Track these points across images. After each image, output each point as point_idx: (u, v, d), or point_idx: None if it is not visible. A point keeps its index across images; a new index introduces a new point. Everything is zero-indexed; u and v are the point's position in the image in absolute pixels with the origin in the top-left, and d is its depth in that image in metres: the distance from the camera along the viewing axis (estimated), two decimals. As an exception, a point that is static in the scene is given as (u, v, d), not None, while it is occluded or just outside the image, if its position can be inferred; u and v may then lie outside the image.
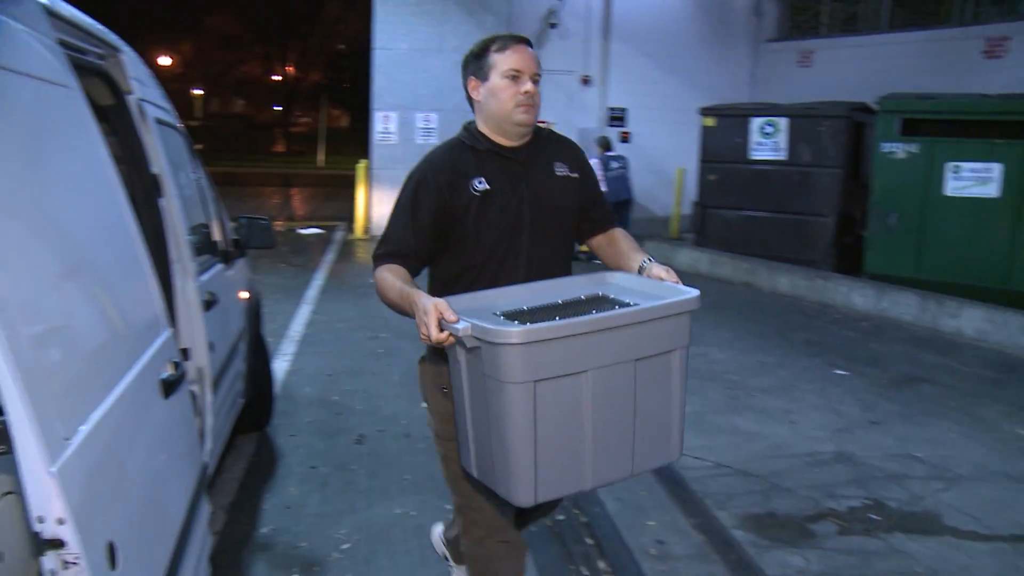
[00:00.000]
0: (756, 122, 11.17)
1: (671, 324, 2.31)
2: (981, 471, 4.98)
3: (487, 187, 2.58)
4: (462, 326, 2.10)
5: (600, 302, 2.41)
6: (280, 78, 44.50)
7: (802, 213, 10.86)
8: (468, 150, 2.65)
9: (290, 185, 26.05)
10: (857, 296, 9.34)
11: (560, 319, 2.16)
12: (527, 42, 2.63)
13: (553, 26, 14.94)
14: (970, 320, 8.32)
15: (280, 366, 6.44)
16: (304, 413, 5.55)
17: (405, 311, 2.33)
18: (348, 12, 36.23)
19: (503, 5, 14.14)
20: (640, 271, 2.61)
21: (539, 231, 2.65)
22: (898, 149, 9.43)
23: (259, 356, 5.11)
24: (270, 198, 21.92)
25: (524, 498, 2.19)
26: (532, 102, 2.57)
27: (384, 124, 13.99)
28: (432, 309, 2.14)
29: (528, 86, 2.56)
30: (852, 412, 5.96)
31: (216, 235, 4.28)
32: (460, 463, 2.46)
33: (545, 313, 2.29)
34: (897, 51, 13.69)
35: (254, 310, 5.11)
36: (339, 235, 14.15)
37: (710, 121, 11.68)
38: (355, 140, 30.95)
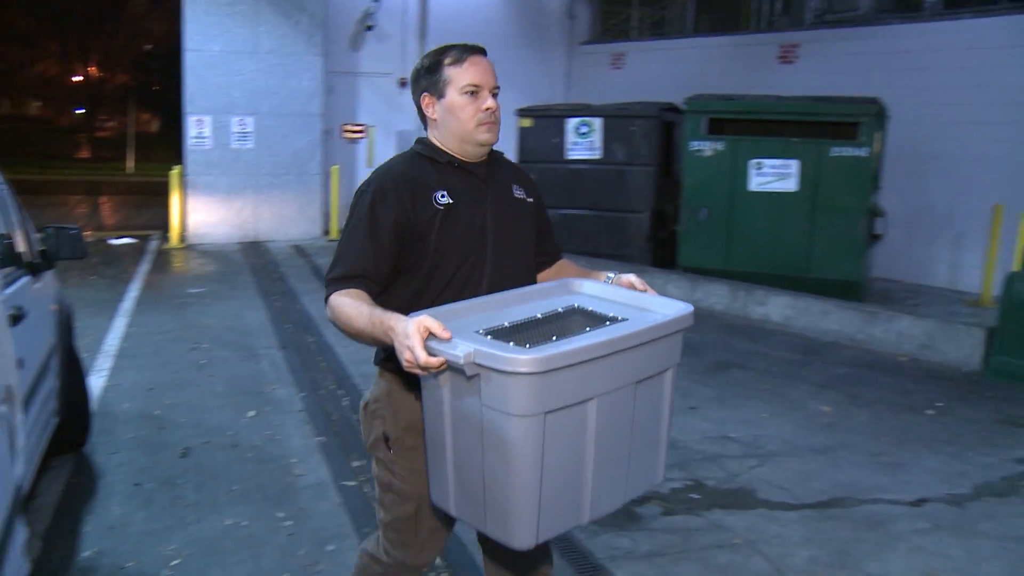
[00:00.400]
0: (571, 122, 11.46)
1: (670, 342, 2.19)
2: (789, 447, 5.34)
3: (450, 201, 2.38)
4: (463, 351, 1.85)
5: (584, 316, 2.25)
6: (82, 79, 42.10)
7: (618, 210, 11.22)
8: (427, 161, 2.45)
9: (98, 193, 24.68)
10: (673, 288, 9.74)
11: (560, 339, 1.99)
12: (482, 51, 2.45)
13: (369, 28, 14.85)
14: (776, 307, 8.87)
15: (97, 382, 6.13)
16: (125, 429, 5.31)
17: (377, 339, 2.10)
18: (154, 10, 34.70)
19: (318, 6, 13.93)
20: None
21: (502, 254, 2.45)
22: (705, 147, 9.91)
23: (73, 372, 4.86)
24: (77, 207, 20.74)
25: (524, 540, 2.00)
26: (494, 119, 2.41)
27: (198, 128, 13.50)
28: (415, 331, 1.92)
29: (490, 102, 2.39)
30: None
31: (20, 246, 4.06)
32: (431, 500, 2.27)
33: (532, 330, 2.09)
34: (702, 55, 14.36)
35: (65, 324, 4.86)
36: (153, 244, 13.55)
37: (527, 122, 11.89)
38: (167, 145, 29.69)
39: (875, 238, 9.40)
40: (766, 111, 9.84)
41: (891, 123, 9.83)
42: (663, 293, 8.25)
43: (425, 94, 2.44)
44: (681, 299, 8.19)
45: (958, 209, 10.90)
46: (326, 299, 2.28)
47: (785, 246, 9.60)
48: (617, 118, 11.15)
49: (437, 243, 2.34)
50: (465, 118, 2.38)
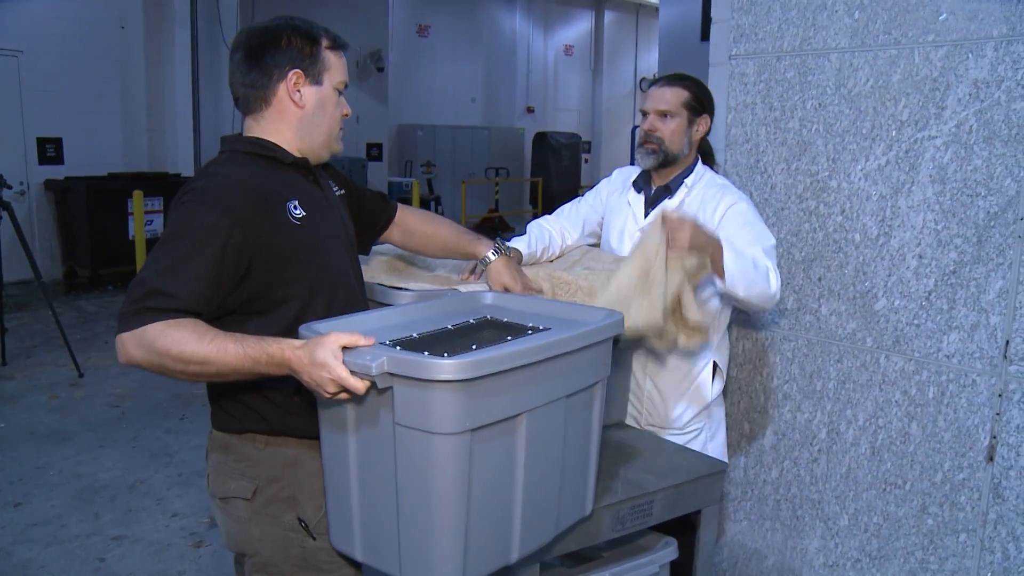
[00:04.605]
0: None
1: (599, 351, 1.89)
2: None
3: (304, 213, 1.84)
4: (373, 360, 1.52)
5: (500, 327, 1.92)
6: None
7: None
8: (267, 163, 1.86)
9: None
10: None
11: (481, 348, 1.67)
12: None
13: None
14: None
15: None
16: None
17: (252, 374, 1.65)
18: None
19: None
20: (484, 264, 2.28)
21: (359, 275, 2.04)
22: None
23: None
24: None
25: None
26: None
27: None
28: (333, 356, 1.53)
29: (348, 107, 1.98)
30: None
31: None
32: (331, 542, 1.85)
33: (446, 342, 1.76)
34: None
35: None
36: None
37: None
38: None
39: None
40: None
41: None
42: None
43: (297, 72, 1.86)
44: None
45: None
46: (132, 326, 1.63)
47: None
48: None
49: (302, 272, 1.82)
50: (334, 120, 1.94)
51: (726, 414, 2.95)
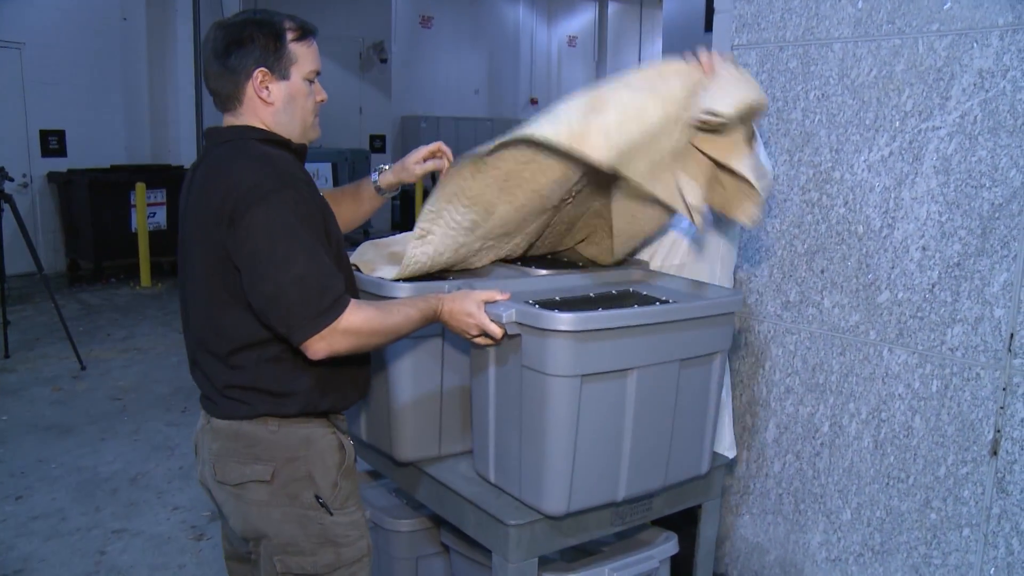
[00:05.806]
0: None
1: (718, 324, 2.15)
2: None
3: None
4: (505, 311, 1.91)
5: (635, 298, 2.26)
6: None
7: None
8: (281, 147, 1.95)
9: None
10: None
11: (604, 310, 1.97)
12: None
13: None
14: None
15: None
16: None
17: (416, 328, 1.92)
18: None
19: None
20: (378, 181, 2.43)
21: None
22: None
23: None
24: None
25: (556, 506, 2.01)
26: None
27: None
28: (478, 308, 1.93)
29: (323, 93, 2.01)
30: None
31: None
32: (475, 468, 2.28)
33: (582, 305, 2.10)
34: None
35: None
36: None
37: None
38: None
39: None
40: None
41: None
42: None
43: (263, 70, 1.89)
44: None
45: None
46: (327, 322, 1.76)
47: None
48: None
49: (332, 242, 1.94)
50: (308, 110, 1.99)
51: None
